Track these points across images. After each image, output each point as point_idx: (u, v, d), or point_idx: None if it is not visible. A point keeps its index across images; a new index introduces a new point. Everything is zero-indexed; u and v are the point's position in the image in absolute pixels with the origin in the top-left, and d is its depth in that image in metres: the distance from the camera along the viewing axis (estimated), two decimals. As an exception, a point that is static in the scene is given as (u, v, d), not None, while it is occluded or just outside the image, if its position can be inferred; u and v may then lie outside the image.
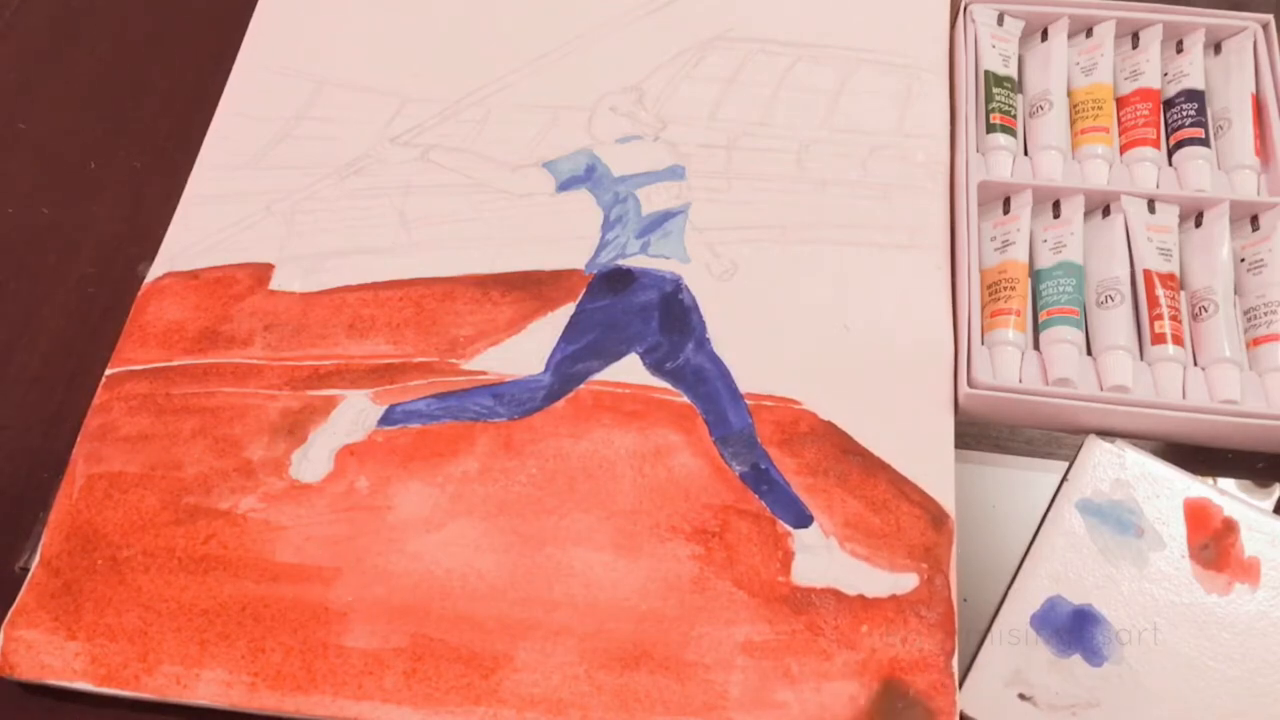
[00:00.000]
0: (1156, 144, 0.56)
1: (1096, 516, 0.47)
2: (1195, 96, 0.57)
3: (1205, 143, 0.56)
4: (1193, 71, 0.57)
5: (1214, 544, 0.46)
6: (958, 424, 0.49)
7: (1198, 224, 0.53)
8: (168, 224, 0.56)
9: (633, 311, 0.52)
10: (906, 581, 0.45)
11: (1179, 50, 0.59)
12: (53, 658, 0.44)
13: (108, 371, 0.51)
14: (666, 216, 0.55)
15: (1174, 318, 0.50)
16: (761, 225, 0.55)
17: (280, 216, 0.56)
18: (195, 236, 0.56)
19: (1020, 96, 0.59)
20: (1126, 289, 0.51)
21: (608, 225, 0.55)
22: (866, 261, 0.54)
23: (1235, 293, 0.52)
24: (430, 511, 0.47)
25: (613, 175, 0.57)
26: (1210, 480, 0.48)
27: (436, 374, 0.51)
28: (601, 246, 0.54)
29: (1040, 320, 0.51)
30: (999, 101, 0.57)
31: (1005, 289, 0.51)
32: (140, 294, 0.54)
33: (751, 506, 0.47)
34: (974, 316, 0.51)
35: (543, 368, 0.51)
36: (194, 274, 0.54)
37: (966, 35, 0.59)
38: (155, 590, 0.45)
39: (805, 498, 0.47)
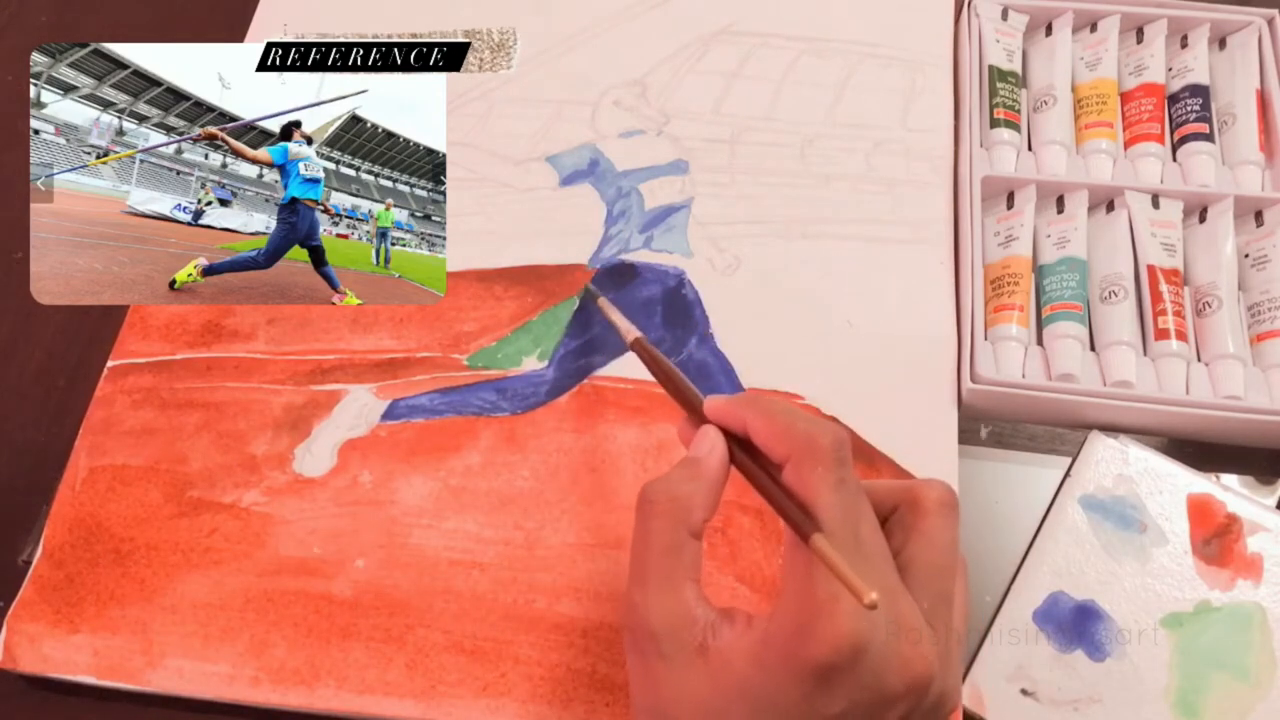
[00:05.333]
0: (1161, 139, 0.56)
1: (1099, 512, 0.47)
2: (1200, 92, 0.57)
3: (1209, 138, 0.56)
4: (1197, 66, 0.57)
5: (1217, 540, 0.46)
6: (960, 419, 0.49)
7: (1202, 219, 0.53)
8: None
9: (636, 306, 0.52)
10: (909, 576, 0.45)
11: (1183, 45, 0.59)
12: (56, 651, 0.44)
13: (110, 363, 0.51)
14: (669, 211, 0.55)
15: (1178, 313, 0.50)
16: (765, 220, 0.55)
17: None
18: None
19: (1024, 91, 0.59)
20: (1130, 284, 0.51)
21: (611, 220, 0.55)
22: (870, 256, 0.54)
23: (1239, 288, 0.52)
24: (433, 505, 0.47)
25: (616, 170, 0.56)
26: (1213, 476, 0.48)
27: (440, 369, 0.51)
28: (605, 241, 0.54)
29: (1044, 315, 0.51)
30: (1003, 96, 0.57)
31: (1009, 284, 0.51)
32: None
33: (754, 502, 0.47)
34: (977, 311, 0.51)
35: (546, 362, 0.51)
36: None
37: (970, 30, 0.59)
38: (158, 584, 0.46)
39: (808, 493, 0.47)
